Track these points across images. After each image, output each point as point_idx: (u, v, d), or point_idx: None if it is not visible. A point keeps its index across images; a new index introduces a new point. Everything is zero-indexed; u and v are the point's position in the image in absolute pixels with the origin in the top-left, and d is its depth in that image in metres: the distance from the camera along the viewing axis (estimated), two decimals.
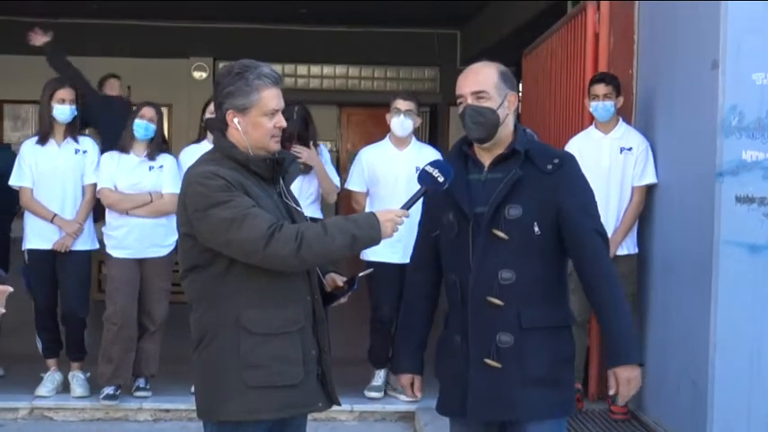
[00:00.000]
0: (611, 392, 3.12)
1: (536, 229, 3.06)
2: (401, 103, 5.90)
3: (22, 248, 5.98)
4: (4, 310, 2.74)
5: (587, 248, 3.09)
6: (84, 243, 5.94)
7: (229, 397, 3.02)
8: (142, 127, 5.80)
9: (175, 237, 4.44)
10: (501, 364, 3.08)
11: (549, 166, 3.09)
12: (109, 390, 5.78)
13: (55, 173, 5.86)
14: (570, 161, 3.16)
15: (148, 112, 5.84)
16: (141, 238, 5.81)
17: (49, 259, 5.88)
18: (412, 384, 3.37)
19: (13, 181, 5.90)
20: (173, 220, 4.04)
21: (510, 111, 3.14)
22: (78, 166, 5.90)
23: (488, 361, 3.09)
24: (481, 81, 3.13)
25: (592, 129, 5.77)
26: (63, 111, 5.81)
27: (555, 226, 3.09)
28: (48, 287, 5.98)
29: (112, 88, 7.88)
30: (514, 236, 3.06)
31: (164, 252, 5.84)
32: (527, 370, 3.07)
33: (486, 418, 3.19)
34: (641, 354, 3.13)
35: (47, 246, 5.84)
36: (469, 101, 3.12)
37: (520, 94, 8.81)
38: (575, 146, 5.71)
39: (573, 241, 3.10)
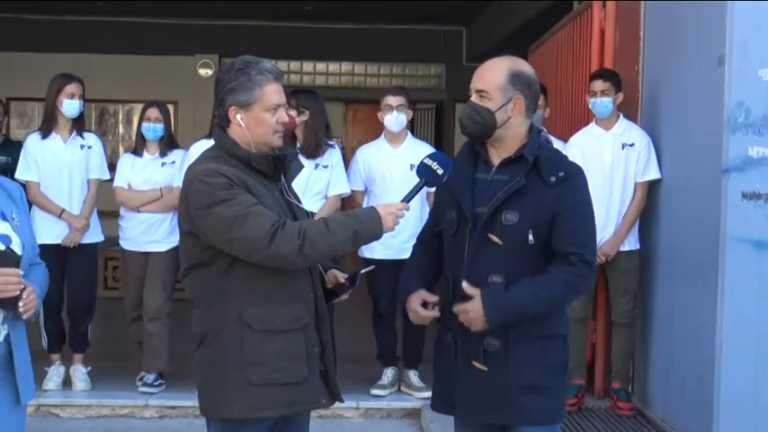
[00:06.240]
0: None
1: (530, 237, 3.01)
2: (392, 99, 5.94)
3: None
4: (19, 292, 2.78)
5: (557, 260, 3.02)
6: (92, 236, 6.03)
7: (233, 395, 3.01)
8: (150, 129, 6.01)
9: None
10: (488, 367, 3.05)
11: (553, 179, 3.03)
12: (149, 378, 5.93)
13: (61, 168, 5.95)
14: (576, 175, 3.09)
15: (153, 112, 6.01)
16: (148, 232, 5.98)
17: (57, 254, 5.90)
18: (424, 306, 3.14)
19: (20, 175, 5.93)
20: None
21: (514, 114, 3.07)
22: (84, 162, 5.99)
23: (476, 364, 3.06)
24: (486, 80, 3.10)
25: (593, 125, 5.75)
26: (72, 106, 5.90)
27: (549, 236, 3.04)
28: (56, 282, 5.99)
29: None
30: (508, 241, 3.02)
31: (169, 246, 5.95)
32: (514, 376, 3.03)
33: (472, 419, 3.17)
34: (499, 322, 2.98)
35: (55, 240, 5.88)
36: (473, 98, 3.11)
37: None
38: (576, 143, 5.69)
39: (553, 249, 3.04)
